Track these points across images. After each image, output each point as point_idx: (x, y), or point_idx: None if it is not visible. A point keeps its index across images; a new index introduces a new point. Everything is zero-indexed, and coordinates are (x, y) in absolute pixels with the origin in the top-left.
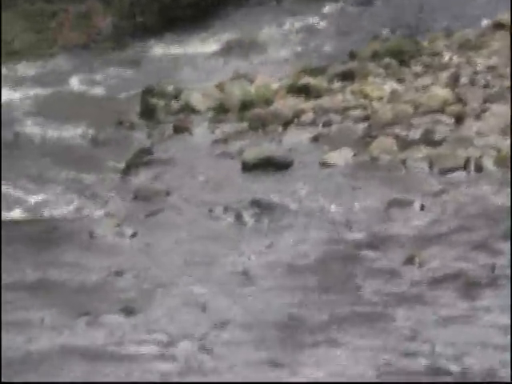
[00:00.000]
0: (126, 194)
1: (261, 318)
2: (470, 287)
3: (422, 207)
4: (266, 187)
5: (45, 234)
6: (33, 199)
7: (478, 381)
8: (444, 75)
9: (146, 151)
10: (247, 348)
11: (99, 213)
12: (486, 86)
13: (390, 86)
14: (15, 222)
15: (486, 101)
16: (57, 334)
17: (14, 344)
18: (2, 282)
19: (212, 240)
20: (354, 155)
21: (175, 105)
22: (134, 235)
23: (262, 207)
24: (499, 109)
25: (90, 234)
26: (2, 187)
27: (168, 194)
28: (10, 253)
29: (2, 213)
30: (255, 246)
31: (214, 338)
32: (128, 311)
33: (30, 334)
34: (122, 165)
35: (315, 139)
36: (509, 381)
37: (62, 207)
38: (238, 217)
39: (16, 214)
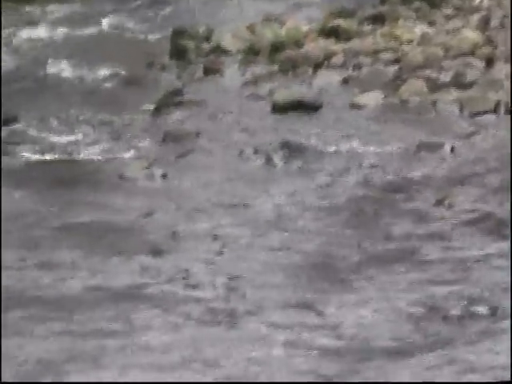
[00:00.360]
0: (156, 135)
1: (291, 259)
2: (498, 228)
3: (452, 150)
4: (295, 129)
5: (74, 176)
6: (62, 140)
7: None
8: (475, 18)
9: (177, 92)
10: (279, 290)
11: (129, 154)
12: None
13: (421, 28)
14: (45, 163)
15: None
16: (87, 274)
17: (45, 284)
18: (34, 224)
19: (242, 182)
20: (384, 97)
21: (206, 46)
22: (163, 177)
23: (291, 149)
24: None
25: (120, 175)
26: (31, 128)
27: (198, 135)
28: (40, 194)
29: (32, 154)
30: (285, 188)
31: (243, 279)
32: (157, 252)
33: (61, 275)
34: (152, 106)
35: (345, 81)
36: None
37: (91, 148)
38: (268, 159)
39: (48, 156)
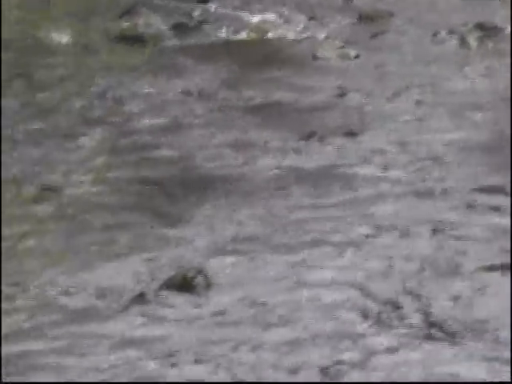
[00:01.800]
0: (350, 15)
1: (483, 139)
2: None
3: None
4: (490, 10)
5: (267, 55)
6: (255, 19)
7: None
8: None
9: None
10: (471, 170)
11: (322, 34)
12: None
13: None
14: (238, 43)
15: None
16: (280, 154)
17: (237, 164)
18: (225, 103)
19: (435, 63)
20: None
21: None
22: (357, 57)
23: (486, 30)
24: None
25: (314, 55)
26: (224, 8)
27: (392, 15)
28: (232, 73)
29: (225, 33)
30: (479, 70)
31: (437, 159)
32: (351, 133)
33: (253, 155)
34: None
35: None
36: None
37: (284, 28)
38: (463, 40)
39: (242, 35)
